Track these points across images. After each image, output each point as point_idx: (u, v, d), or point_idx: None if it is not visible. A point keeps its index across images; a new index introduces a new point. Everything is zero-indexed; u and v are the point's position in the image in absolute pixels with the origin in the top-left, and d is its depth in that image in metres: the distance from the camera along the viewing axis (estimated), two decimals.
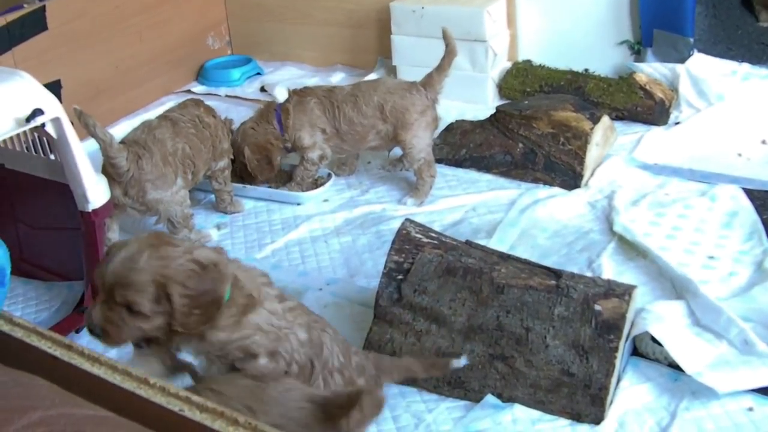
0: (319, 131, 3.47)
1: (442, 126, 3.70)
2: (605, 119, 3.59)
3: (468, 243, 2.63)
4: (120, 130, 4.22)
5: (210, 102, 4.58)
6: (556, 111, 3.56)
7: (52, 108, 2.50)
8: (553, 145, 3.48)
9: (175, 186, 3.11)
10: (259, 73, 5.01)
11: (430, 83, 3.45)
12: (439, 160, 3.61)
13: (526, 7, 4.37)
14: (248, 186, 3.60)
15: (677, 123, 3.90)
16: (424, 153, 3.44)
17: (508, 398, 2.37)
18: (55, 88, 3.99)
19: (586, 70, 4.26)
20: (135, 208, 3.08)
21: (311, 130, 3.47)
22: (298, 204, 3.54)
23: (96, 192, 2.68)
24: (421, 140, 3.43)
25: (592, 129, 3.47)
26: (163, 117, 3.28)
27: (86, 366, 1.49)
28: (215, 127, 3.37)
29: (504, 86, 4.32)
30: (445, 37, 3.42)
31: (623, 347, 2.34)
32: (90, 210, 2.68)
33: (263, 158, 3.51)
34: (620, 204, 3.26)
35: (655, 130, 3.86)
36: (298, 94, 3.52)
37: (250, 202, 3.59)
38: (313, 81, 4.60)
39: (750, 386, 2.32)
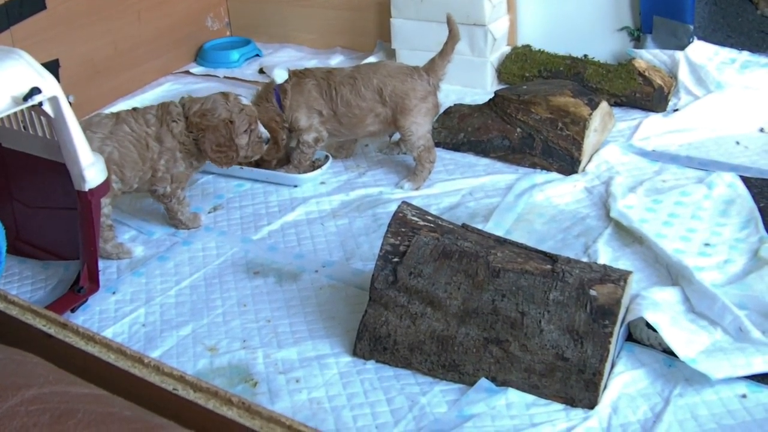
0: (316, 113, 3.46)
1: (440, 110, 3.69)
2: (604, 105, 3.59)
3: (464, 227, 2.63)
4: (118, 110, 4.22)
5: (209, 83, 4.61)
6: (555, 96, 3.55)
7: (50, 87, 2.49)
8: (551, 130, 3.48)
9: None
10: (257, 55, 5.00)
11: (433, 69, 3.44)
12: (436, 144, 3.60)
13: None
14: (245, 168, 3.60)
15: (676, 110, 3.90)
16: (423, 140, 3.43)
17: (502, 382, 2.37)
18: (53, 67, 3.98)
19: (586, 55, 4.25)
20: None
21: (308, 112, 3.46)
22: (295, 186, 3.54)
23: (92, 171, 2.68)
24: (420, 127, 3.41)
25: (590, 115, 3.47)
26: (114, 114, 3.12)
27: (81, 344, 1.50)
28: (159, 153, 3.09)
29: (503, 71, 4.31)
30: (449, 22, 3.41)
31: (618, 332, 2.35)
32: (86, 189, 2.68)
33: (270, 137, 3.50)
34: (617, 190, 3.25)
35: (654, 117, 3.85)
36: (297, 75, 3.50)
37: (248, 183, 3.59)
38: (311, 63, 4.59)
39: (744, 373, 2.33)
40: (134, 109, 3.17)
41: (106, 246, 3.08)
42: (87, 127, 2.98)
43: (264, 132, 3.21)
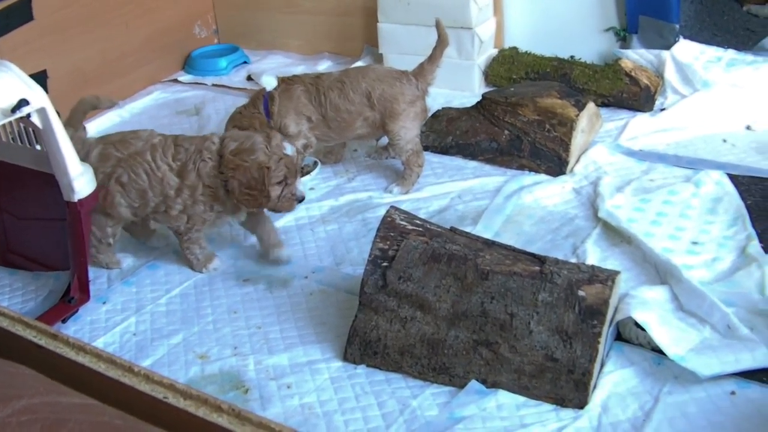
0: (305, 119, 3.46)
1: (428, 114, 3.70)
2: (591, 106, 3.60)
3: (453, 230, 2.64)
4: (107, 119, 4.24)
5: (197, 91, 4.61)
6: (542, 98, 3.57)
7: (38, 98, 2.50)
8: (538, 131, 3.50)
9: None
10: (245, 62, 5.00)
11: (422, 73, 3.45)
12: (425, 148, 3.61)
13: None
14: None
15: (663, 109, 3.92)
16: (411, 144, 3.44)
17: (492, 384, 2.38)
18: (41, 78, 3.98)
19: (572, 56, 4.27)
20: None
21: (297, 118, 3.45)
22: None
23: (81, 182, 2.68)
24: (408, 131, 3.42)
25: (577, 116, 3.48)
26: (151, 135, 2.97)
27: (71, 355, 1.50)
28: (177, 189, 2.92)
29: (490, 73, 4.33)
30: (438, 27, 3.42)
31: (607, 332, 2.36)
32: (76, 200, 2.68)
33: None
34: (605, 190, 3.27)
35: (641, 117, 3.87)
36: (286, 82, 3.50)
37: None
38: (299, 69, 4.59)
39: (732, 370, 2.34)
40: (177, 136, 2.98)
41: (98, 255, 3.08)
42: (112, 142, 2.94)
43: (301, 191, 3.01)
